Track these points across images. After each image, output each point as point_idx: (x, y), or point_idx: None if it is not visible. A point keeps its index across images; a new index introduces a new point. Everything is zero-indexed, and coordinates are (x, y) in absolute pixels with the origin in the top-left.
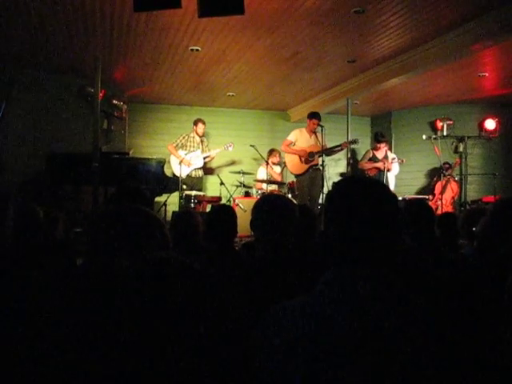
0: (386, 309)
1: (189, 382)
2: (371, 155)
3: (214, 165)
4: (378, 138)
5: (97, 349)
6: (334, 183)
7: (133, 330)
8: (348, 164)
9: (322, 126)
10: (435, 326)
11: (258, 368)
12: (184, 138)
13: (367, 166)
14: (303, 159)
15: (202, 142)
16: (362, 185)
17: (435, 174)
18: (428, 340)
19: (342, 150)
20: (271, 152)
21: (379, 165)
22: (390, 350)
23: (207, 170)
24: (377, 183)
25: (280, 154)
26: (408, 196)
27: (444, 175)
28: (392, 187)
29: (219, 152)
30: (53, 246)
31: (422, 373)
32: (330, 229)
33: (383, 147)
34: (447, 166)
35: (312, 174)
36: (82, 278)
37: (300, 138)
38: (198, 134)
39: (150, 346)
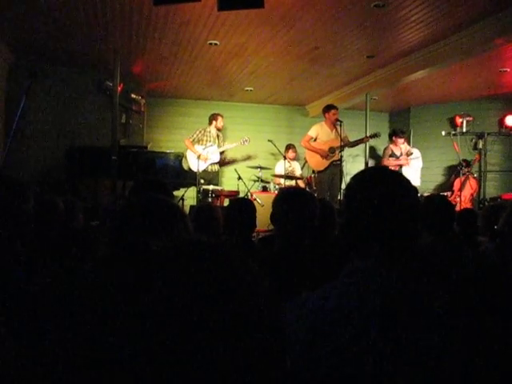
0: (412, 298)
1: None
2: (390, 152)
3: (231, 159)
4: (397, 133)
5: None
6: (351, 177)
7: (171, 317)
8: (366, 163)
9: (340, 121)
10: (455, 317)
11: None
12: (200, 132)
13: (392, 163)
14: (324, 156)
15: (218, 136)
16: (382, 175)
17: (454, 170)
18: (448, 328)
19: (362, 143)
20: (287, 148)
21: (402, 162)
22: (415, 337)
23: (224, 164)
24: (396, 174)
25: (296, 150)
26: (426, 193)
27: (463, 172)
28: (417, 183)
29: (236, 146)
30: (72, 235)
31: (442, 360)
32: (350, 220)
33: (402, 143)
34: (465, 163)
35: (332, 170)
36: (110, 265)
37: (321, 133)
38: (218, 128)
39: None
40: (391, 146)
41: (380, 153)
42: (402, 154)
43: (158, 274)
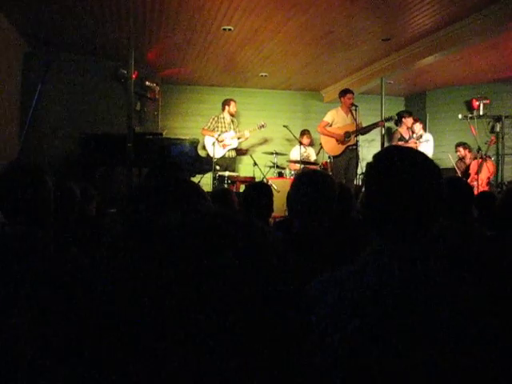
0: (433, 278)
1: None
2: (399, 136)
3: (247, 145)
4: (403, 114)
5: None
6: (373, 156)
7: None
8: (382, 145)
9: (356, 106)
10: (478, 299)
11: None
12: (214, 119)
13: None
14: (339, 140)
15: (232, 122)
16: (404, 155)
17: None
18: (471, 310)
19: (377, 127)
20: (302, 133)
21: (410, 145)
22: (436, 318)
23: (240, 150)
24: (418, 153)
25: (311, 136)
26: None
27: (480, 155)
28: None
29: (252, 131)
30: (86, 222)
31: (464, 341)
32: (373, 200)
33: (412, 124)
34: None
35: (348, 155)
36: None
37: (337, 118)
38: (231, 113)
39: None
40: (399, 129)
41: None
42: (410, 138)
43: (174, 243)
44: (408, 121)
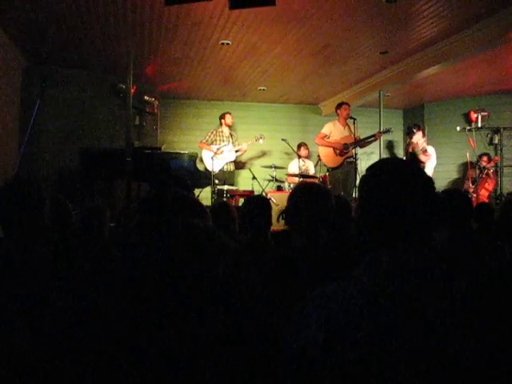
0: (432, 289)
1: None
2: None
3: (245, 159)
4: (413, 128)
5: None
6: (367, 168)
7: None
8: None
9: (354, 119)
10: (478, 309)
11: (297, 356)
12: (212, 133)
13: (425, 159)
14: (338, 152)
15: (231, 135)
16: (397, 166)
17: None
18: (472, 321)
19: (375, 140)
20: (299, 146)
21: (428, 157)
22: (436, 330)
23: (239, 164)
24: (411, 164)
25: (308, 148)
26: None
27: (479, 169)
28: None
29: (250, 145)
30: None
31: (465, 352)
32: (368, 211)
33: (419, 137)
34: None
35: (346, 168)
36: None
37: (334, 131)
38: (227, 125)
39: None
40: (413, 142)
41: (395, 150)
42: (424, 150)
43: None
44: (419, 133)
